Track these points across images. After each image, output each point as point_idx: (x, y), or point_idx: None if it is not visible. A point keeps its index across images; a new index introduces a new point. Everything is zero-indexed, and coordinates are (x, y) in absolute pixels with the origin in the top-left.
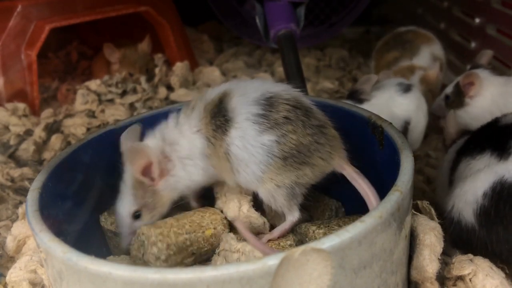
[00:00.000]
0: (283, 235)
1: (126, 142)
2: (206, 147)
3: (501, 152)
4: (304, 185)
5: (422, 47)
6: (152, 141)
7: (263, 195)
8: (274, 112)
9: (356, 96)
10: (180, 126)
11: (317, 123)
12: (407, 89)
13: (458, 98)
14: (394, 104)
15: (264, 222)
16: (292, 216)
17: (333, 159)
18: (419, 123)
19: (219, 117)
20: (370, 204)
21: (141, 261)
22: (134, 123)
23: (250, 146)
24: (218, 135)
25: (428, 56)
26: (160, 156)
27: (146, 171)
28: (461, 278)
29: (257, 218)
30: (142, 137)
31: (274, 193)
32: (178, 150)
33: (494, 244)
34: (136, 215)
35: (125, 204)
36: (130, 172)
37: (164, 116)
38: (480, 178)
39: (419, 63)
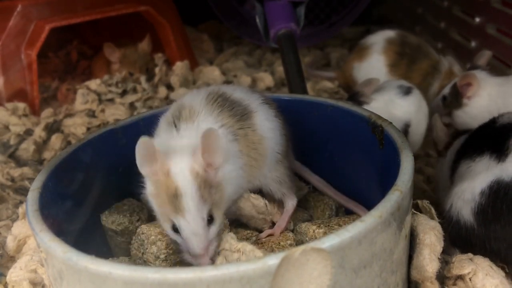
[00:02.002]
0: (288, 224)
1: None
2: (236, 143)
3: (499, 154)
4: None
5: (430, 48)
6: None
7: (274, 181)
8: (272, 106)
9: (356, 98)
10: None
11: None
12: (407, 91)
13: (456, 99)
14: (395, 106)
15: (266, 204)
16: (293, 200)
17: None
18: (420, 126)
19: (236, 107)
20: None
21: (141, 260)
22: (134, 122)
23: (274, 125)
24: (244, 123)
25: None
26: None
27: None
28: (461, 277)
29: (257, 199)
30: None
31: (283, 175)
32: None
33: (492, 242)
34: (209, 219)
35: (196, 211)
36: (191, 174)
37: None
38: (479, 177)
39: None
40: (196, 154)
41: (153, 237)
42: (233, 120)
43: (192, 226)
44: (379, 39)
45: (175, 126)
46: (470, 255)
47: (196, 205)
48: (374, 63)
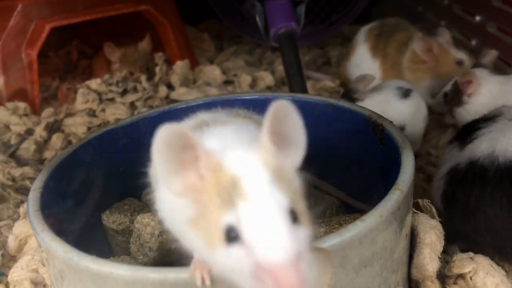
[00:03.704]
0: None
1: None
2: None
3: (463, 143)
4: None
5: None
6: None
7: None
8: None
9: (349, 95)
10: None
11: None
12: (405, 94)
13: (456, 96)
14: (390, 107)
15: None
16: None
17: None
18: (416, 129)
19: None
20: None
21: (139, 252)
22: (135, 122)
23: None
24: None
25: None
26: None
27: None
28: (461, 276)
29: None
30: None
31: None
32: None
33: (456, 225)
34: (294, 217)
35: (269, 193)
36: (257, 159)
37: (165, 115)
38: (444, 166)
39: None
40: (263, 138)
41: (146, 219)
42: None
43: (262, 211)
44: (362, 32)
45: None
46: (471, 254)
47: (267, 186)
48: (360, 54)
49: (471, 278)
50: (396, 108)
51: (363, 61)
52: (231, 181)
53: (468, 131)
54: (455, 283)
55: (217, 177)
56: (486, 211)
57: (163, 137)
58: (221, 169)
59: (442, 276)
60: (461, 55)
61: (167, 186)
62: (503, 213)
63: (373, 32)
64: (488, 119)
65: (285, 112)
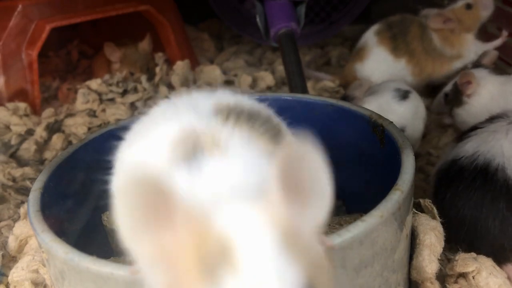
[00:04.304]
0: None
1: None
2: None
3: (458, 140)
4: None
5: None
6: None
7: None
8: None
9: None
10: None
11: None
12: (404, 96)
13: (456, 97)
14: (390, 110)
15: None
16: None
17: None
18: (416, 129)
19: (266, 125)
20: None
21: None
22: (135, 122)
23: None
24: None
25: None
26: None
27: None
28: (463, 275)
29: None
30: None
31: None
32: None
33: (445, 209)
34: None
35: (273, 266)
36: (262, 218)
37: None
38: (437, 163)
39: None
40: (272, 189)
41: None
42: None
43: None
44: (369, 35)
45: (193, 162)
46: (473, 254)
47: (272, 256)
48: (376, 57)
49: (473, 278)
50: (396, 110)
51: (383, 62)
52: (220, 247)
53: (469, 130)
54: (456, 282)
55: (202, 241)
56: (458, 207)
57: (131, 193)
58: (208, 231)
59: (442, 276)
60: (461, 2)
61: (131, 248)
62: (472, 210)
63: (385, 34)
64: (489, 120)
65: (301, 154)
